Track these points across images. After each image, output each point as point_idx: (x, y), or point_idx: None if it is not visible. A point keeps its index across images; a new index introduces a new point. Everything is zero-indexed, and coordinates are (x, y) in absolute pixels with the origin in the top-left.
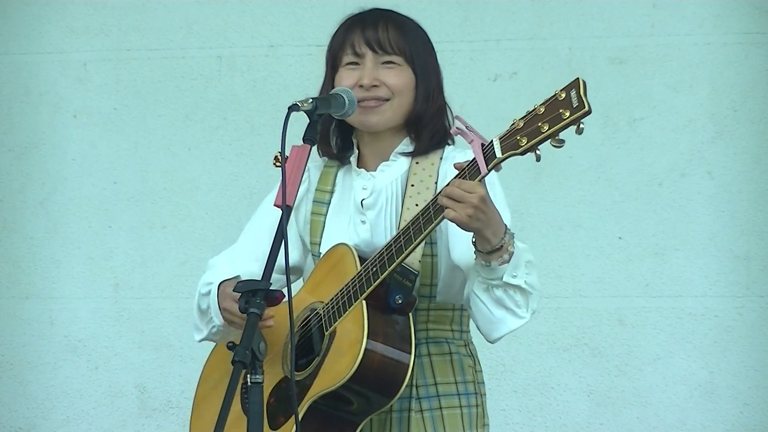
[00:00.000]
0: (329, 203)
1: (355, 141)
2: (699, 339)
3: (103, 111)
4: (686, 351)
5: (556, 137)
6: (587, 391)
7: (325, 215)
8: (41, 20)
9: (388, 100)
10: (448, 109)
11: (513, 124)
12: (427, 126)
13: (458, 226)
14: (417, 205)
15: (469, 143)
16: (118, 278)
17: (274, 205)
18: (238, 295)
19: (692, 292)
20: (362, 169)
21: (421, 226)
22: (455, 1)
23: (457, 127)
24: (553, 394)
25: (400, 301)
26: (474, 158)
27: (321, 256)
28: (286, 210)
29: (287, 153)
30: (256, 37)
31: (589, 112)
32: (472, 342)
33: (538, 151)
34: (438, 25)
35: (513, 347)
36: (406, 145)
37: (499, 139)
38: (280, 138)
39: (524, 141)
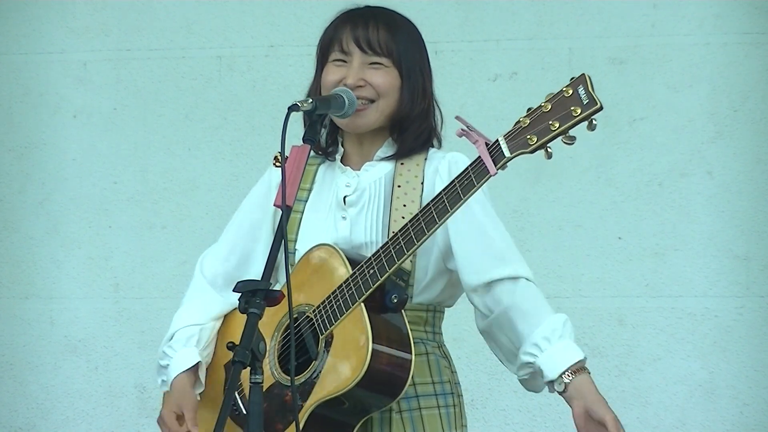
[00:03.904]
0: (307, 200)
1: (340, 139)
2: (699, 339)
3: (103, 111)
4: (686, 351)
5: (567, 134)
6: None
7: (302, 212)
8: (41, 20)
9: (373, 101)
10: (436, 109)
11: (518, 122)
12: (411, 128)
13: None
14: (405, 205)
15: (474, 143)
16: (118, 278)
17: (274, 205)
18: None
19: (692, 292)
20: (348, 167)
21: (423, 227)
22: (455, 1)
23: (461, 129)
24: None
25: (395, 300)
26: (478, 158)
27: (296, 252)
28: (286, 210)
29: (287, 153)
30: (256, 37)
31: (601, 108)
32: (444, 344)
33: (549, 149)
34: (438, 25)
35: None
36: (389, 146)
37: (505, 137)
38: (280, 138)
39: (534, 139)
